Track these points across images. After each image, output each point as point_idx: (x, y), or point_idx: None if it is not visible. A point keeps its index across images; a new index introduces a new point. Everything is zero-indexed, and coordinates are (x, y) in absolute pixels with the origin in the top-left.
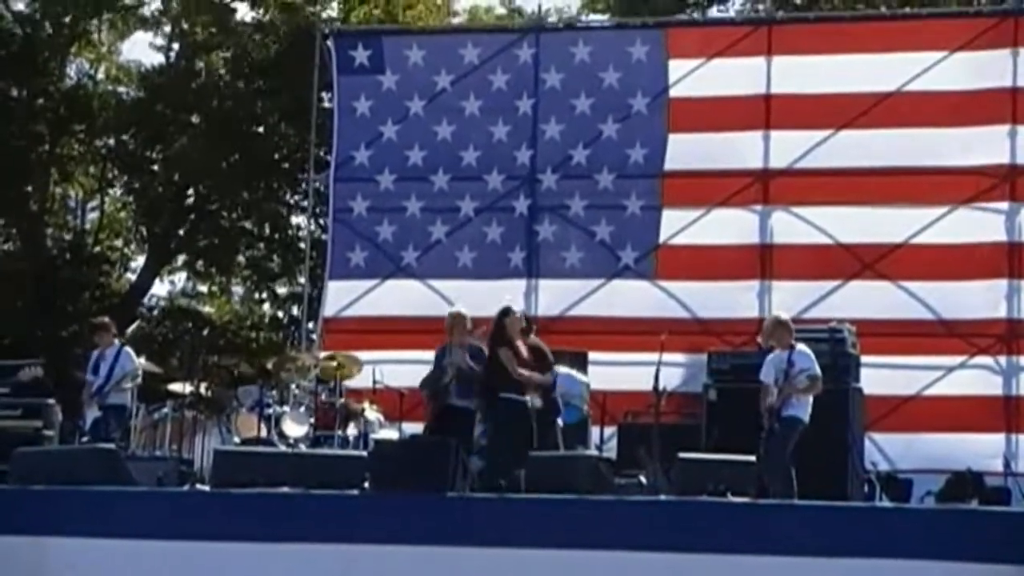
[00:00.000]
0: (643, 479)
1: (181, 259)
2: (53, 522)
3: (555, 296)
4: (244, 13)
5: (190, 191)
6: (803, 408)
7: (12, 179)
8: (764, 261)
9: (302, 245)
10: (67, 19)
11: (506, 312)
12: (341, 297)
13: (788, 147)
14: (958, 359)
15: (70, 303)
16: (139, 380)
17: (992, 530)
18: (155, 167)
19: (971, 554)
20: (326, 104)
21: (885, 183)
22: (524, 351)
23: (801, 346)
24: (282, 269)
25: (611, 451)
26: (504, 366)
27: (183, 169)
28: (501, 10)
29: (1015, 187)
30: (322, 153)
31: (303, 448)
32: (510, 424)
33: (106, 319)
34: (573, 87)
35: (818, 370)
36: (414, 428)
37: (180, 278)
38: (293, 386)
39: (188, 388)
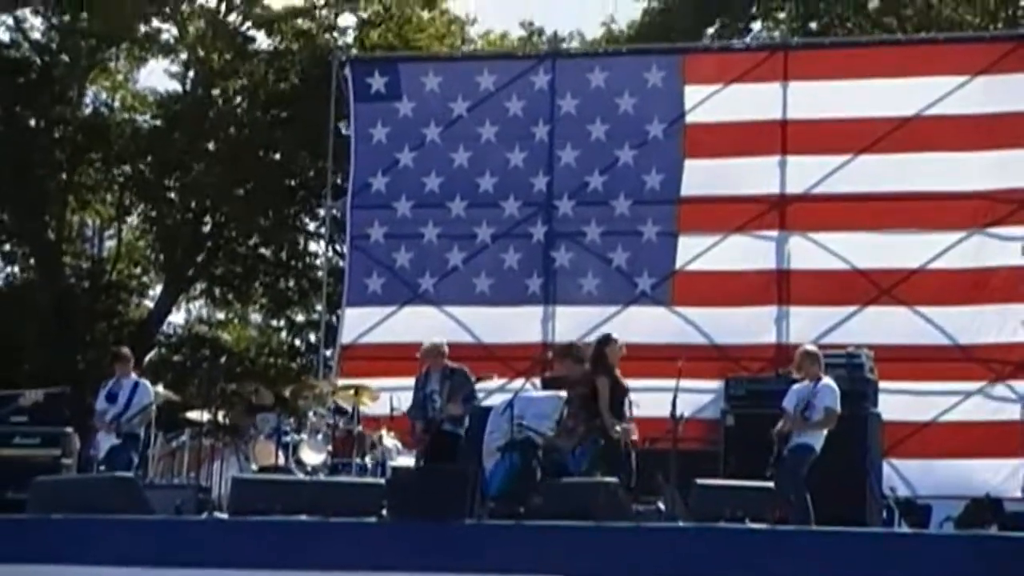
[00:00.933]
0: (661, 506)
1: (199, 287)
2: (73, 551)
3: (572, 322)
4: (261, 41)
5: (207, 219)
6: (815, 437)
7: (30, 207)
8: (781, 287)
9: (319, 272)
10: (84, 48)
11: (606, 340)
12: (358, 324)
13: (804, 172)
14: (976, 384)
15: (88, 331)
16: (154, 412)
17: (1011, 556)
18: (172, 195)
19: None
20: (343, 131)
21: (902, 208)
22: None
23: (827, 380)
24: (299, 296)
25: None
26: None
27: (200, 196)
28: (517, 32)
29: None
30: (339, 180)
31: (321, 476)
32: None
33: (127, 350)
34: (589, 113)
35: (838, 407)
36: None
37: (197, 305)
38: (311, 414)
39: (206, 416)
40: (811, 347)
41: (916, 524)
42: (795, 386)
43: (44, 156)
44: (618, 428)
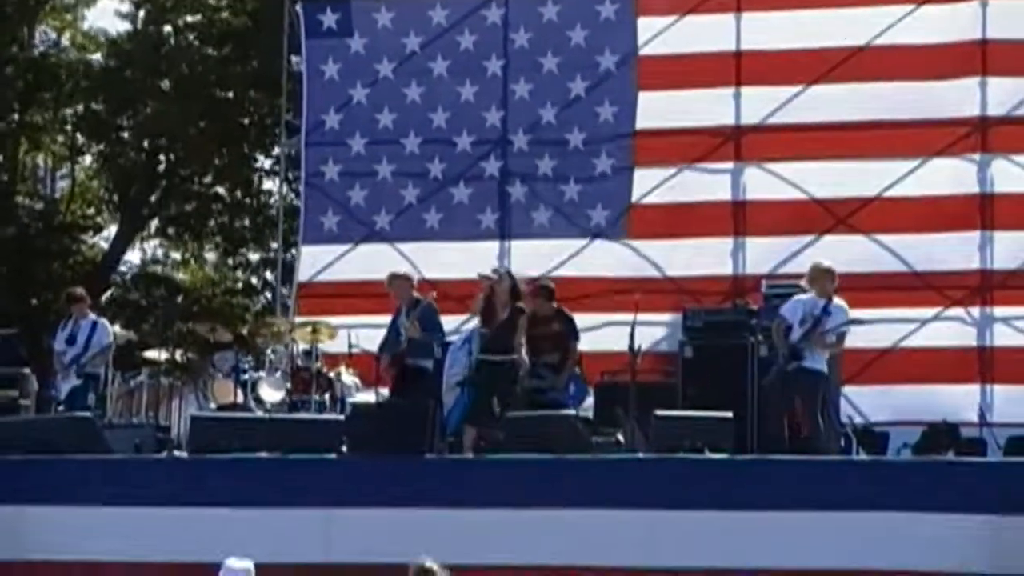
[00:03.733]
0: (620, 438)
1: (153, 226)
2: (31, 491)
3: (527, 258)
4: None
5: (161, 158)
6: (822, 361)
7: None
8: (737, 218)
9: (274, 211)
10: None
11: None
12: (315, 262)
13: (759, 103)
14: (932, 311)
15: (42, 272)
16: (113, 351)
17: (968, 481)
18: (125, 134)
19: (947, 505)
20: (296, 69)
21: (857, 137)
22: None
23: (840, 300)
24: (255, 235)
25: (588, 410)
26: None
27: (153, 135)
28: None
29: (986, 138)
30: (292, 118)
31: (280, 413)
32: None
33: (82, 290)
34: (541, 46)
35: (849, 328)
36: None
37: (152, 245)
38: (269, 351)
39: (164, 355)
40: (827, 263)
41: (873, 451)
42: (799, 296)
43: None
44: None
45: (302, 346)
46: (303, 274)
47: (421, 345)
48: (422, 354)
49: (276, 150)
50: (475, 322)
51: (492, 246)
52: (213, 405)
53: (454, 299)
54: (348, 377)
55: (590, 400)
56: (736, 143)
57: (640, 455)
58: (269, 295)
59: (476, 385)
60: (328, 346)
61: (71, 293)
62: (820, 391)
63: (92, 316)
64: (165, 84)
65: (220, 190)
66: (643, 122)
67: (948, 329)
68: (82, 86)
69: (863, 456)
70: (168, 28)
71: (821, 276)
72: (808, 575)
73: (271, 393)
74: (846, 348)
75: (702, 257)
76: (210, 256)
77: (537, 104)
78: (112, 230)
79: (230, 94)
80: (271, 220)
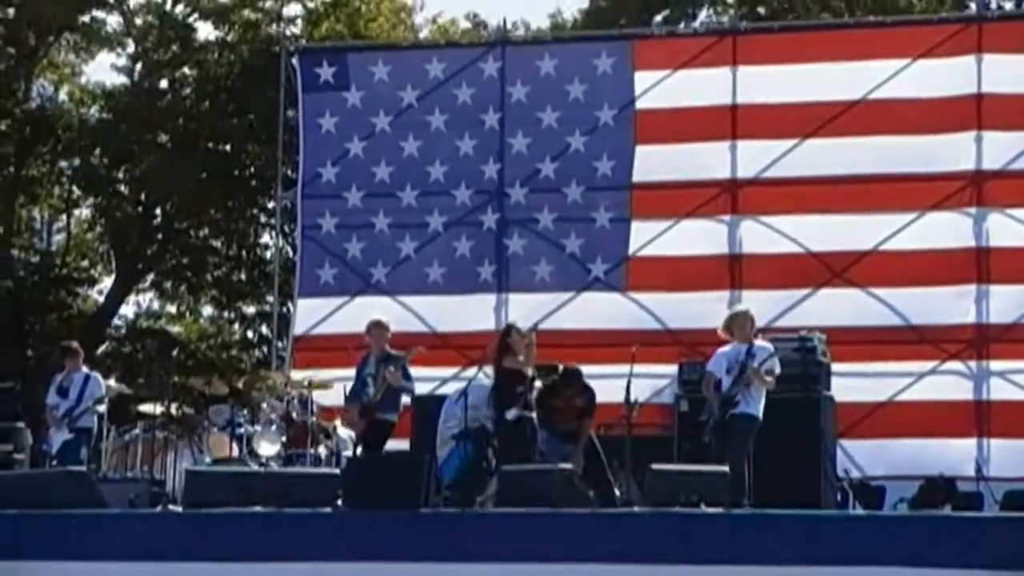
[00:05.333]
0: (617, 491)
1: (149, 279)
2: (26, 546)
3: (525, 310)
4: (207, 32)
5: (157, 211)
6: (758, 405)
7: None
8: (733, 271)
9: (271, 263)
10: (29, 41)
11: (507, 330)
12: (311, 315)
13: (755, 157)
14: (928, 364)
15: (38, 325)
16: (106, 405)
17: (965, 536)
18: (121, 187)
19: (945, 560)
20: (293, 122)
21: (852, 191)
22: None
23: (761, 340)
24: (251, 288)
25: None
26: None
27: (150, 188)
28: (465, 24)
29: (981, 192)
30: (289, 171)
31: (275, 467)
32: None
33: (76, 344)
34: (539, 100)
35: (778, 366)
36: (388, 445)
37: (148, 298)
38: (264, 405)
39: (159, 408)
40: (742, 307)
41: (870, 505)
42: (721, 349)
43: None
44: (510, 413)
45: (297, 400)
46: (299, 327)
47: (391, 399)
48: (391, 408)
49: (272, 203)
50: (472, 372)
51: (490, 298)
52: (208, 459)
53: (453, 348)
54: (343, 430)
55: None
56: (732, 196)
57: (636, 509)
58: (265, 348)
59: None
60: (324, 399)
61: (65, 346)
62: (752, 435)
63: (85, 370)
64: (162, 137)
65: (216, 243)
66: (640, 175)
67: (944, 383)
68: (79, 139)
69: (859, 511)
70: (164, 83)
71: (738, 321)
72: None
73: (266, 447)
74: (842, 401)
75: (699, 309)
76: (206, 309)
77: (535, 157)
78: (107, 283)
79: (227, 147)
80: (267, 273)
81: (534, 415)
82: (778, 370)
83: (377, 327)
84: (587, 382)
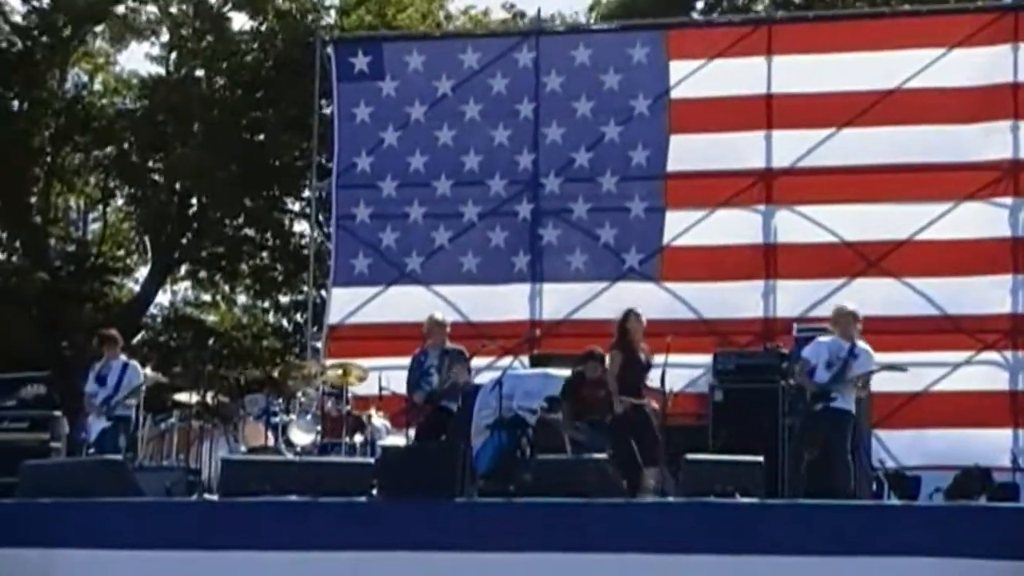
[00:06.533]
0: (651, 481)
1: (184, 268)
2: (62, 534)
3: (560, 300)
4: (242, 22)
5: (192, 200)
6: (851, 401)
7: (15, 191)
8: (768, 261)
9: (305, 253)
10: (64, 31)
11: (625, 315)
12: (345, 304)
13: (790, 146)
14: (964, 355)
15: (74, 314)
16: (144, 393)
17: (1001, 526)
18: (156, 176)
19: (980, 550)
20: (327, 111)
21: (888, 180)
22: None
23: (864, 343)
24: (285, 277)
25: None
26: None
27: (184, 178)
28: (498, 14)
29: (1019, 182)
30: (323, 161)
31: (311, 456)
32: None
33: (114, 332)
34: (574, 90)
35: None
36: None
37: (183, 287)
38: (299, 394)
39: (195, 397)
40: (850, 305)
41: (906, 496)
42: (823, 338)
43: (27, 139)
44: (621, 400)
45: (332, 388)
46: (333, 316)
47: (453, 392)
48: (454, 397)
49: (307, 192)
50: (506, 362)
51: (524, 288)
52: (244, 448)
53: (487, 338)
54: (378, 420)
55: None
56: (767, 186)
57: (670, 499)
58: (299, 337)
59: (626, 427)
60: (358, 389)
61: (103, 334)
62: (849, 430)
63: (123, 358)
64: (196, 127)
65: (251, 232)
66: (675, 165)
67: (980, 373)
68: (114, 129)
69: (895, 501)
70: (199, 72)
71: (845, 319)
72: None
73: (301, 436)
74: (877, 391)
75: (734, 299)
76: (241, 298)
77: (569, 147)
78: (143, 272)
79: (260, 137)
80: (302, 263)
81: (646, 402)
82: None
83: (437, 326)
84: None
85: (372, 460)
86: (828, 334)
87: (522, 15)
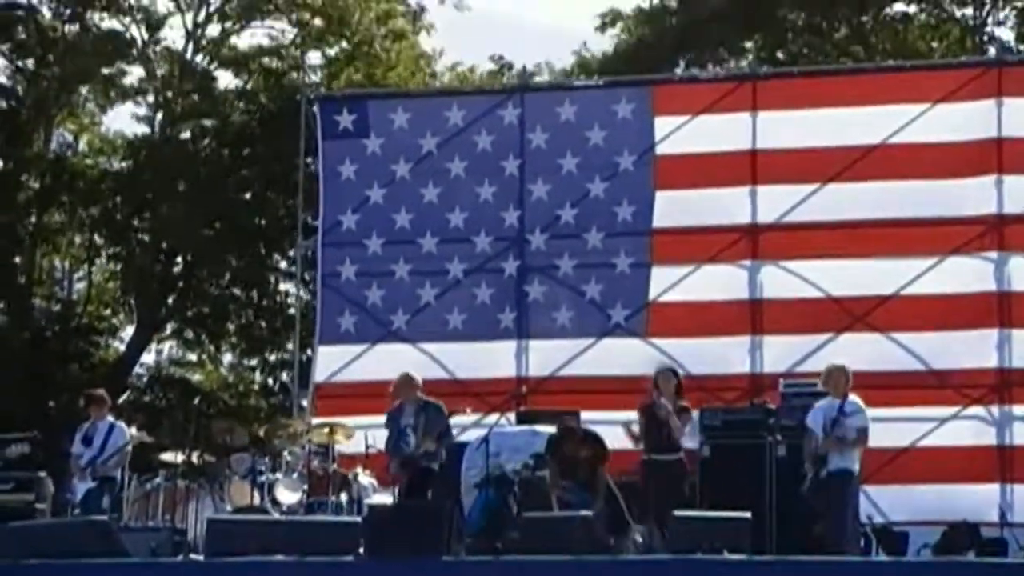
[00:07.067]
0: (638, 538)
1: (170, 328)
2: None
3: (546, 356)
4: (227, 81)
5: (178, 259)
6: (852, 460)
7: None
8: (755, 316)
9: (291, 311)
10: (50, 91)
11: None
12: (332, 362)
13: (776, 201)
14: (951, 410)
15: (59, 374)
16: (129, 454)
17: None
18: (142, 236)
19: None
20: (312, 169)
21: (873, 235)
22: None
23: (854, 396)
24: (271, 336)
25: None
26: None
27: (170, 237)
28: (490, 66)
29: (1004, 236)
30: (309, 219)
31: (297, 515)
32: None
33: (102, 392)
34: (559, 146)
35: (868, 423)
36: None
37: (169, 346)
38: (285, 453)
39: (180, 457)
40: (840, 362)
41: (893, 551)
42: (819, 403)
43: (12, 199)
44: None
45: (318, 447)
46: (319, 375)
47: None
48: (432, 457)
49: (292, 251)
50: (492, 419)
51: (510, 345)
52: (230, 507)
53: (473, 395)
54: (364, 478)
55: None
56: (753, 241)
57: (658, 555)
58: (282, 396)
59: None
60: (345, 447)
61: (90, 394)
62: (847, 492)
63: (110, 418)
64: (181, 186)
65: (237, 291)
66: (660, 220)
67: (967, 428)
68: (99, 188)
69: (883, 557)
70: (185, 132)
71: (835, 376)
72: None
73: (288, 495)
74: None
75: (720, 355)
76: (227, 357)
77: (555, 204)
78: (129, 332)
79: (246, 195)
80: (288, 321)
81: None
82: (867, 425)
83: (407, 385)
84: (588, 429)
85: (359, 519)
86: (821, 393)
87: (510, 66)
